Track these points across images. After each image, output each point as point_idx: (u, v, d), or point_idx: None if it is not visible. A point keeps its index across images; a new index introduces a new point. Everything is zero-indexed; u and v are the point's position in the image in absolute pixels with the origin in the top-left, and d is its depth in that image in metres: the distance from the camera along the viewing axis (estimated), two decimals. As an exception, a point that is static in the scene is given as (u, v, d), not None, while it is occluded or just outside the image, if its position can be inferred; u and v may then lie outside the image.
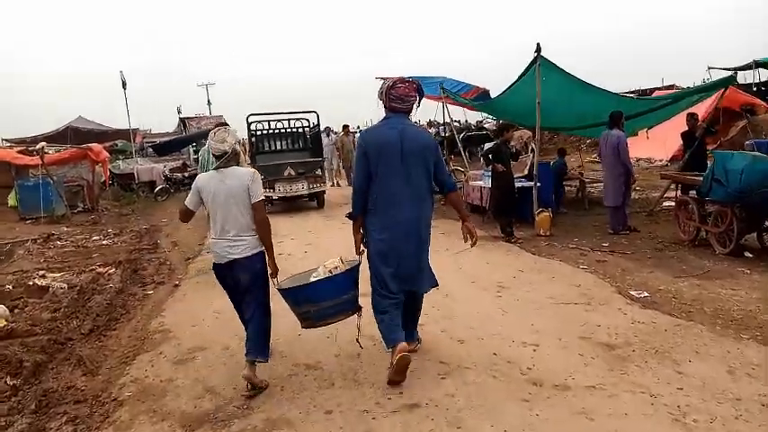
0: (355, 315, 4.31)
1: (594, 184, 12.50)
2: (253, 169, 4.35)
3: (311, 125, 15.14)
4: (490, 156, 8.90)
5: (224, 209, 4.10)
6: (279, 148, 14.86)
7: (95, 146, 16.71)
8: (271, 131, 14.99)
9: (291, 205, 14.40)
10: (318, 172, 13.98)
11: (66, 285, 7.83)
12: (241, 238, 4.11)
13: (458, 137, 17.00)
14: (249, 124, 14.31)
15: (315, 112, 14.81)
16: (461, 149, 14.81)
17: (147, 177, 19.32)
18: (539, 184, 9.58)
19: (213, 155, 4.24)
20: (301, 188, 13.59)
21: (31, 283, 8.01)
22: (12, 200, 14.96)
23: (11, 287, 7.83)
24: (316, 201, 14.44)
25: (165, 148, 23.46)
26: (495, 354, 4.41)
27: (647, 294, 5.79)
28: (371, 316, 4.30)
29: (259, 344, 4.21)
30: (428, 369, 4.25)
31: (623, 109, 9.00)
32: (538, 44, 9.05)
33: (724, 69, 18.14)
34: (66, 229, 13.28)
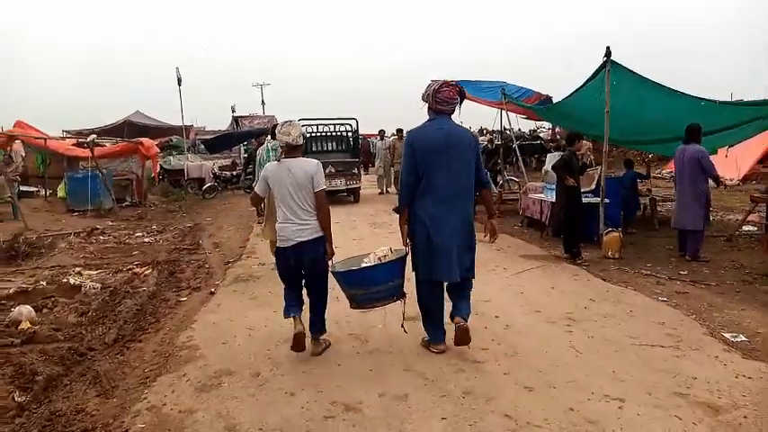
0: (400, 301, 4.68)
1: (666, 203, 11.44)
2: (317, 161, 4.60)
3: (352, 130, 16.54)
4: (560, 167, 8.04)
5: (290, 196, 4.46)
6: (323, 149, 16.08)
7: (146, 140, 16.53)
8: (317, 134, 16.24)
9: (331, 199, 14.36)
10: (355, 171, 15.55)
11: (99, 285, 7.41)
12: (307, 223, 4.48)
13: (514, 145, 16.16)
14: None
15: (355, 118, 16.42)
16: (518, 158, 13.90)
17: (197, 174, 19.12)
18: (606, 201, 8.69)
19: (279, 146, 4.59)
20: (339, 184, 15.18)
21: (65, 280, 7.64)
22: (61, 191, 14.89)
23: (44, 283, 7.47)
24: (352, 196, 15.92)
25: (216, 144, 23.35)
26: (571, 409, 3.62)
27: (744, 338, 4.88)
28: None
29: (320, 318, 4.79)
30: (490, 425, 3.50)
31: (708, 118, 8.03)
32: (608, 48, 8.17)
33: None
34: (111, 223, 13.06)
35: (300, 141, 4.56)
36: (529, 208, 10.82)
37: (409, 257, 4.61)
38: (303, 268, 4.61)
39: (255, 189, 4.83)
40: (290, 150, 4.54)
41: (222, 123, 36.80)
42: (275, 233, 4.71)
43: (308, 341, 4.69)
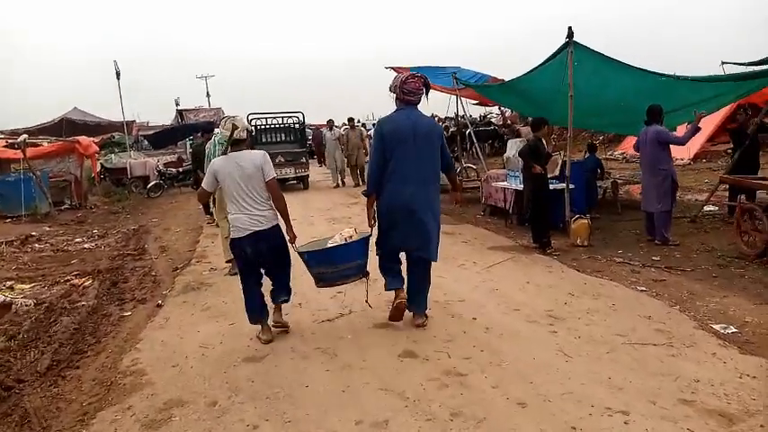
0: (363, 279, 4.96)
1: (626, 186, 11.30)
2: (263, 151, 4.75)
3: (299, 122, 17.56)
4: (526, 154, 7.66)
5: (241, 188, 4.53)
6: (272, 140, 16.81)
7: (84, 139, 15.50)
8: (266, 126, 17.07)
9: (282, 187, 14.50)
10: (303, 160, 16.67)
11: (33, 302, 6.67)
12: (260, 213, 4.58)
13: (469, 131, 15.88)
14: (249, 121, 15.86)
15: (301, 112, 17.73)
16: (475, 145, 13.52)
17: (141, 172, 18.10)
18: (572, 186, 8.41)
19: (226, 141, 4.72)
20: (289, 173, 16.21)
21: (-8, 298, 6.83)
22: (-9, 197, 13.74)
23: (-32, 303, 6.65)
24: (302, 183, 16.96)
25: (160, 140, 22.28)
26: (573, 428, 3.21)
27: (735, 330, 4.60)
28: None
29: (284, 288, 4.92)
30: (486, 452, 3.06)
31: (670, 95, 7.81)
32: (569, 29, 7.83)
33: (738, 64, 16.78)
34: (48, 228, 12.09)
35: (244, 135, 4.69)
36: (491, 196, 10.48)
37: (372, 239, 4.92)
38: (261, 258, 4.71)
39: (203, 185, 4.78)
40: (236, 144, 4.66)
41: (167, 118, 35.31)
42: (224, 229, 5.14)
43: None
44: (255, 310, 4.84)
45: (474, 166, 15.27)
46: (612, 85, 8.46)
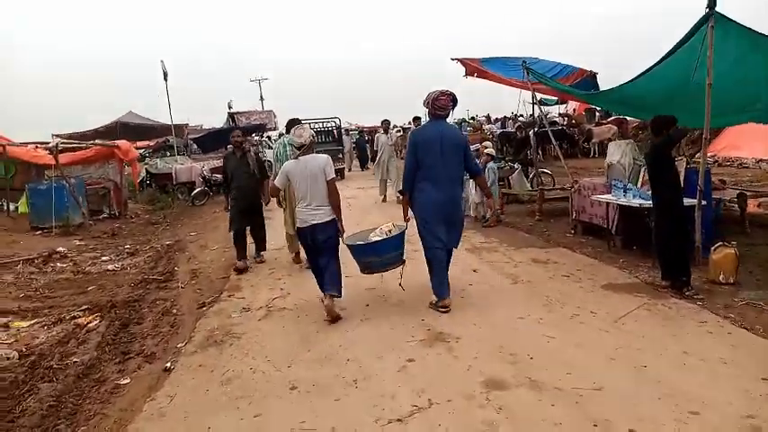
0: (400, 267, 5.64)
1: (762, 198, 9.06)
2: (326, 155, 5.50)
3: (336, 126, 21.33)
4: (658, 162, 5.65)
5: (306, 186, 5.28)
6: (314, 140, 17.20)
7: (123, 143, 14.21)
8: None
9: None
10: (339, 156, 20.02)
11: (16, 353, 5.14)
12: (320, 208, 5.29)
13: (544, 132, 13.76)
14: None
15: (338, 117, 21.51)
16: (554, 146, 11.31)
17: (186, 178, 16.74)
18: (703, 202, 6.34)
19: (293, 146, 5.61)
20: None
21: (-27, 345, 5.35)
22: (22, 206, 12.56)
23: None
24: (339, 174, 18.31)
25: (208, 142, 20.99)
26: None
27: None
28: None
29: (336, 282, 5.39)
30: None
31: None
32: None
33: None
34: (78, 242, 10.73)
35: (309, 141, 5.41)
36: (585, 211, 8.45)
37: (410, 231, 5.55)
38: (317, 245, 5.35)
39: (275, 182, 5.65)
40: (304, 149, 5.38)
41: (220, 121, 34.39)
42: (291, 226, 6.64)
43: None
44: (324, 284, 5.40)
45: (549, 172, 13.20)
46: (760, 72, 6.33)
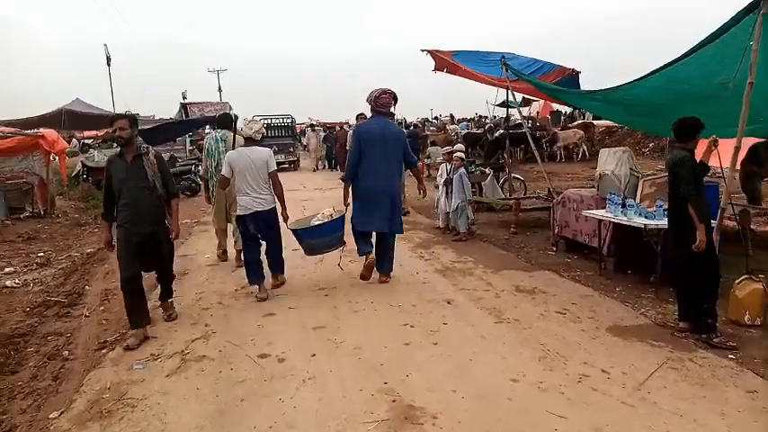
0: (340, 248, 6.08)
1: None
2: (269, 149, 5.84)
3: (290, 122, 23.57)
4: (683, 178, 4.45)
5: (249, 175, 5.49)
6: (270, 135, 20.46)
7: (50, 132, 12.46)
8: (266, 125, 19.36)
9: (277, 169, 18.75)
10: (291, 149, 23.05)
11: None
12: (261, 197, 5.54)
13: (489, 136, 12.60)
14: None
15: (290, 115, 23.96)
16: (535, 150, 10.05)
17: (127, 173, 14.97)
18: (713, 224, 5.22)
19: (243, 136, 5.79)
20: (282, 158, 21.02)
21: None
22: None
23: None
24: (292, 165, 22.87)
25: (155, 135, 19.11)
26: None
27: None
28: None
29: (278, 264, 5.95)
30: None
31: None
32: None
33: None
34: (-17, 248, 9.05)
35: (259, 137, 5.73)
36: (569, 226, 7.30)
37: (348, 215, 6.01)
38: (259, 231, 5.65)
39: (223, 172, 5.67)
40: (251, 141, 5.68)
41: (174, 112, 32.29)
42: (222, 221, 7.08)
43: None
44: (255, 277, 5.70)
45: (521, 178, 12.07)
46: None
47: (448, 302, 5.34)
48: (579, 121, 23.67)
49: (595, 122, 22.15)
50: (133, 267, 4.72)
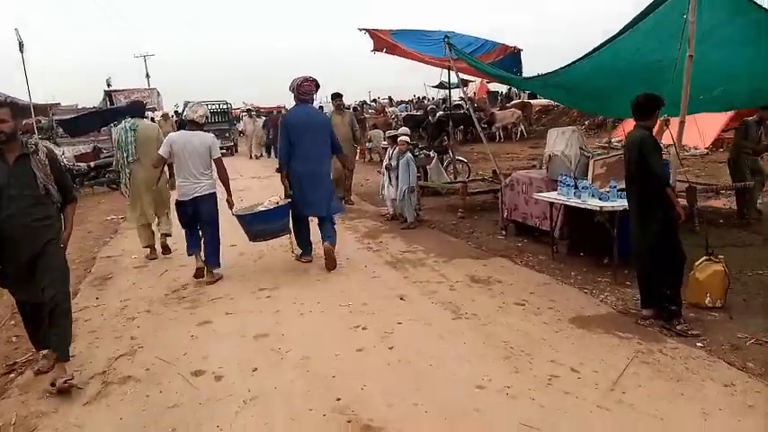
0: (288, 235, 6.11)
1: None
2: (213, 135, 5.97)
3: (226, 107, 23.55)
4: (649, 160, 4.20)
5: (190, 160, 5.48)
6: (206, 120, 19.12)
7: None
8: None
9: None
10: (227, 134, 22.41)
11: None
12: (201, 182, 5.53)
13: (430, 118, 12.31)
14: (186, 106, 19.94)
15: (226, 101, 23.99)
16: (480, 131, 9.72)
17: (45, 166, 13.75)
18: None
19: (186, 120, 5.82)
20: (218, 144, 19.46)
21: None
22: None
23: None
24: (229, 151, 21.68)
25: (78, 125, 17.85)
26: None
27: None
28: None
29: (215, 254, 5.73)
30: None
31: None
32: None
33: None
34: None
35: (203, 121, 5.77)
36: (517, 209, 7.04)
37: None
38: (199, 217, 5.62)
39: (160, 151, 5.64)
40: (195, 125, 5.67)
41: (96, 100, 30.33)
42: (140, 217, 6.65)
43: None
44: (191, 247, 5.76)
45: (464, 160, 11.82)
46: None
47: (401, 298, 4.94)
48: (516, 101, 23.74)
49: (532, 102, 22.27)
50: (23, 291, 3.86)
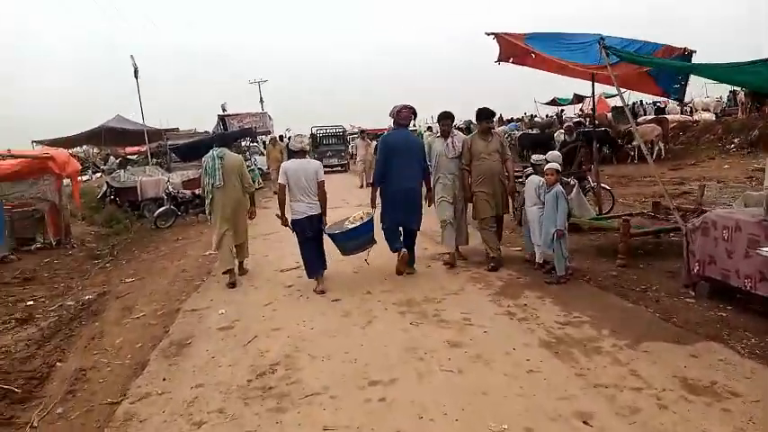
0: (371, 247, 6.47)
1: None
2: (318, 161, 6.77)
3: (342, 131, 26.94)
4: None
5: (302, 184, 6.06)
6: (326, 142, 25.78)
7: (60, 153, 10.91)
8: (322, 134, 26.13)
9: (331, 170, 22.85)
10: (343, 154, 25.65)
11: None
12: (313, 202, 6.12)
13: (567, 137, 10.26)
14: (312, 130, 26.21)
15: (342, 125, 27.73)
16: (645, 151, 7.74)
17: (155, 193, 13.33)
18: None
19: (292, 149, 6.49)
20: (334, 162, 24.62)
21: None
22: None
23: None
24: (343, 168, 24.76)
25: (189, 151, 17.63)
26: None
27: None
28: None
29: (322, 263, 6.34)
30: None
31: None
32: None
33: None
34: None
35: (308, 148, 7.11)
36: (715, 263, 5.00)
37: (377, 216, 6.44)
38: (312, 232, 6.16)
39: (279, 180, 6.21)
40: (302, 153, 6.37)
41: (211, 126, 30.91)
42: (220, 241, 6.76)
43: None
44: (314, 268, 6.27)
45: (608, 187, 9.76)
46: None
47: (585, 423, 3.16)
48: (651, 116, 20.93)
49: (669, 117, 19.43)
50: None
